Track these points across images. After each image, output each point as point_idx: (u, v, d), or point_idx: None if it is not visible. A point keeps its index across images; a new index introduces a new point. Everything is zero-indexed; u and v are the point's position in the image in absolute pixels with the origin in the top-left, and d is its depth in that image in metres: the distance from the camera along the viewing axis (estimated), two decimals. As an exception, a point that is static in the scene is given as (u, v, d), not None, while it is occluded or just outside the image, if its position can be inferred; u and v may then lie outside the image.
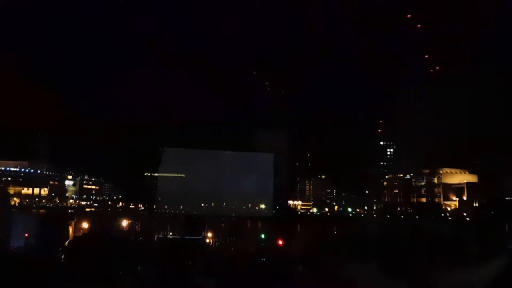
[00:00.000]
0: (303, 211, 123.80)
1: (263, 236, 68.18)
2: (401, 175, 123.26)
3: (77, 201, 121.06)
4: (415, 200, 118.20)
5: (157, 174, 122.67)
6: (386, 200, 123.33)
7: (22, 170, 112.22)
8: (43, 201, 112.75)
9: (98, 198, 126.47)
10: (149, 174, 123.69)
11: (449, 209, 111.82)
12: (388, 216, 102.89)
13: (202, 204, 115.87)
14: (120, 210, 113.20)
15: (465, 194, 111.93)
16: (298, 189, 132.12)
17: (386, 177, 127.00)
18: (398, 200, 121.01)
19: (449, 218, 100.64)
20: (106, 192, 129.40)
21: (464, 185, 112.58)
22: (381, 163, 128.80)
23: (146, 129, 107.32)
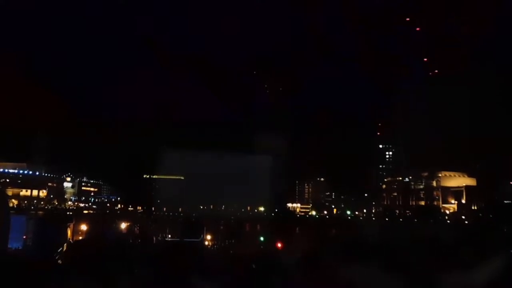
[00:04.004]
0: (302, 213, 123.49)
1: (262, 238, 68.00)
2: (400, 178, 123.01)
3: (76, 203, 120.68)
4: (413, 203, 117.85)
5: (156, 176, 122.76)
6: (385, 203, 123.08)
7: (21, 171, 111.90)
8: (42, 203, 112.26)
9: (96, 200, 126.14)
10: (148, 176, 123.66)
11: (447, 212, 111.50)
12: (387, 219, 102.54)
13: (201, 207, 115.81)
14: (119, 212, 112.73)
15: (464, 197, 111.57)
16: (297, 191, 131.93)
17: (385, 180, 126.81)
18: (397, 203, 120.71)
19: (448, 221, 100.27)
20: (105, 193, 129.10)
21: (463, 188, 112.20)
22: (380, 166, 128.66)
23: (146, 129, 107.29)
